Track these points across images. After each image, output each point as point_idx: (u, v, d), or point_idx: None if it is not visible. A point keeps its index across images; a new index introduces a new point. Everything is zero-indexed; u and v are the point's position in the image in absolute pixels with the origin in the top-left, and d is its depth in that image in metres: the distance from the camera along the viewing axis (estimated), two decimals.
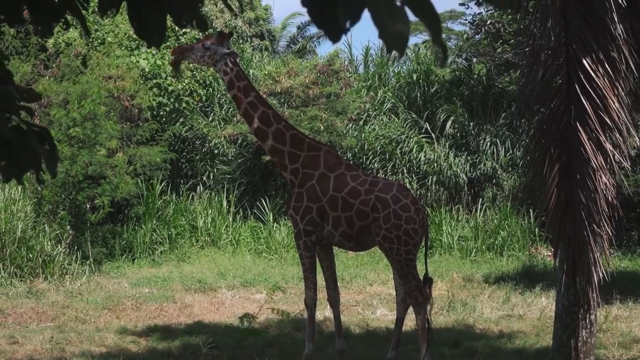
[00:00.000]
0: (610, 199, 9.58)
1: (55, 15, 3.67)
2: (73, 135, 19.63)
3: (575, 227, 9.54)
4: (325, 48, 56.70)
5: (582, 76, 9.38)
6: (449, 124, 26.93)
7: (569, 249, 9.70)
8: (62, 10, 3.67)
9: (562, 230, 9.66)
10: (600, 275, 9.67)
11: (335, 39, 3.04)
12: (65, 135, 19.64)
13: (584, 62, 9.35)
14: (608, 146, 9.50)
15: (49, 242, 18.51)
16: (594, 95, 9.35)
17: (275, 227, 23.58)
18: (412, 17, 2.97)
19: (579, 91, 9.38)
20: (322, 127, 24.08)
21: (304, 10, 3.03)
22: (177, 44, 25.09)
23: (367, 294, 18.23)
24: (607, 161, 9.53)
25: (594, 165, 9.39)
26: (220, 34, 12.91)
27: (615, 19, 9.28)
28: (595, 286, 9.73)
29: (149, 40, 3.66)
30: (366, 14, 2.94)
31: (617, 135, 9.61)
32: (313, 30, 41.73)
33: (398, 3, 2.89)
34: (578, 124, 9.42)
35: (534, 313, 16.08)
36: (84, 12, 3.76)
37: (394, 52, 2.93)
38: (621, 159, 9.72)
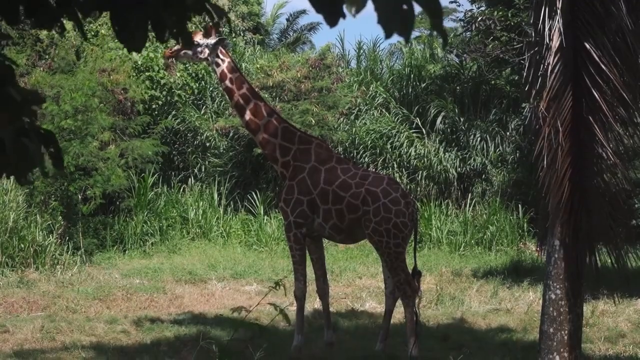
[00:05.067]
0: (628, 188, 9.67)
1: (51, 18, 3.75)
2: (65, 127, 19.66)
3: (590, 220, 9.60)
4: (320, 37, 56.53)
5: (592, 69, 9.44)
6: (439, 119, 27.02)
7: (579, 243, 9.77)
8: (59, 14, 3.75)
9: (574, 223, 9.67)
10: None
11: (332, 23, 3.19)
12: (56, 127, 19.67)
13: (593, 54, 9.41)
14: (621, 136, 9.57)
15: (40, 233, 18.55)
16: (605, 87, 9.41)
17: (266, 219, 23.66)
18: (417, 8, 3.11)
19: (589, 84, 9.44)
20: (313, 121, 24.17)
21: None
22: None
23: (356, 286, 18.34)
24: (619, 152, 9.60)
25: (609, 157, 9.45)
26: (205, 27, 13.05)
27: (622, 9, 9.35)
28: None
29: (129, 47, 3.74)
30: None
31: (630, 125, 9.70)
32: (302, 21, 41.79)
33: None
34: (590, 117, 9.48)
35: (521, 307, 16.20)
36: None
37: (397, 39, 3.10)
38: (622, 150, 9.80)
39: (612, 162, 9.51)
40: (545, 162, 9.63)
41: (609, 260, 10.07)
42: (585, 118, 9.50)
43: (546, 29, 9.61)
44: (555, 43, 9.60)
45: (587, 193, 9.61)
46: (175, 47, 13.19)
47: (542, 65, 9.72)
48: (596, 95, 9.41)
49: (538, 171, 9.79)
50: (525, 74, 10.09)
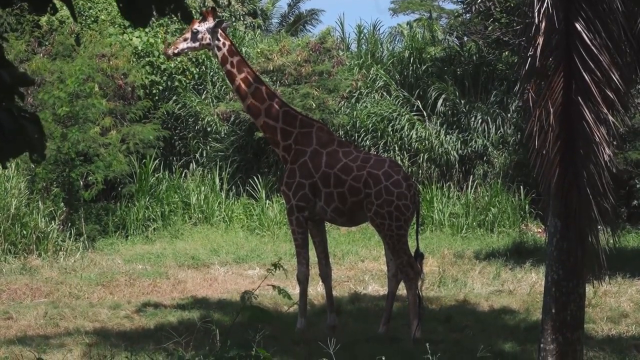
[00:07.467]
0: (614, 170, 9.63)
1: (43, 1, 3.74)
2: (62, 114, 19.64)
3: (581, 202, 9.59)
4: (326, 17, 56.36)
5: (582, 51, 9.41)
6: (440, 101, 26.98)
7: (572, 224, 9.76)
8: None
9: (566, 204, 9.66)
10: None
11: None
12: (53, 114, 19.64)
13: (584, 36, 9.37)
14: (610, 119, 9.55)
15: (42, 219, 18.57)
16: (595, 69, 9.38)
17: (268, 204, 23.66)
18: None
19: (580, 66, 9.40)
20: (314, 105, 24.15)
21: None
22: (169, 22, 25.11)
23: (359, 270, 18.35)
24: (609, 134, 9.58)
25: (597, 139, 9.43)
26: (202, 13, 13.06)
27: None
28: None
29: (136, 22, 3.74)
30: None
31: (620, 108, 9.68)
32: (303, 6, 41.82)
33: None
34: (580, 99, 9.45)
35: (523, 288, 16.21)
36: None
37: None
38: (623, 132, 9.79)
39: (602, 144, 9.49)
40: (536, 144, 9.63)
41: (610, 241, 10.06)
42: (575, 100, 9.48)
43: (535, 10, 9.58)
44: (545, 24, 9.57)
45: (579, 174, 9.60)
46: (177, 39, 13.21)
47: (531, 46, 9.69)
48: (586, 77, 9.38)
49: (529, 152, 9.78)
50: (517, 52, 10.10)
